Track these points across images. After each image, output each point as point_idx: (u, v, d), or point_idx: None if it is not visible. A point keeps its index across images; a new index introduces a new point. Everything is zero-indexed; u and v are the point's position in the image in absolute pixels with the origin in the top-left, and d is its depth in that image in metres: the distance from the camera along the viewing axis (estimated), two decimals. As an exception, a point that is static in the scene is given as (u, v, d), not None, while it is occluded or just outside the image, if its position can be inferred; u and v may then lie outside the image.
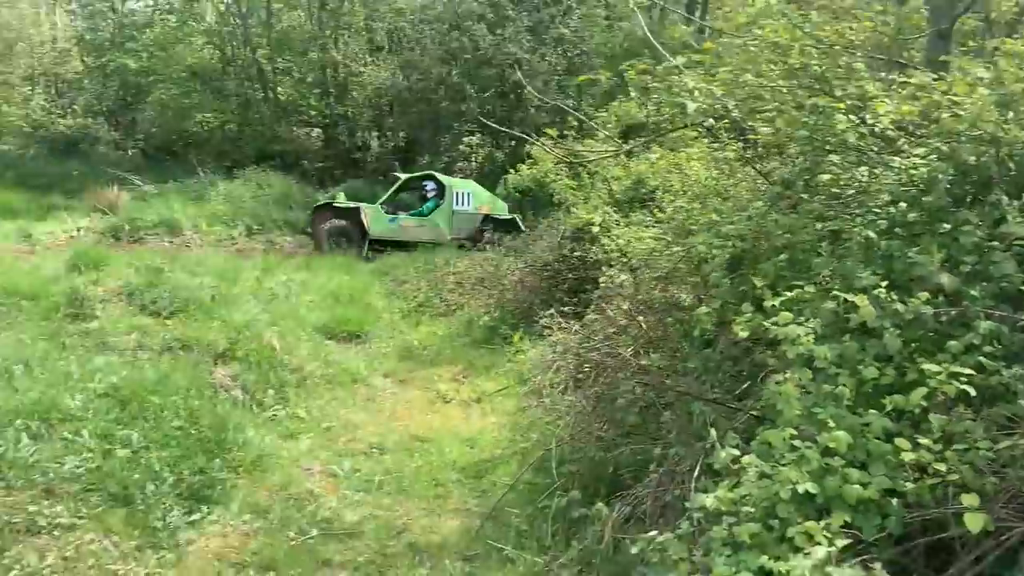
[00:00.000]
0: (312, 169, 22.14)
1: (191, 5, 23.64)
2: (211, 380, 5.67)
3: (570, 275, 8.30)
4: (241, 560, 3.96)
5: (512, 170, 10.37)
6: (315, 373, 6.71)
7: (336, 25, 22.95)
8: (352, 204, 15.11)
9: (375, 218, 14.81)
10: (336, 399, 6.50)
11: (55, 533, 3.76)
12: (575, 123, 8.76)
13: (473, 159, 19.66)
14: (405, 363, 7.96)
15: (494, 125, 14.54)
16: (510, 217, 15.58)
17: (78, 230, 14.18)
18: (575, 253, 8.16)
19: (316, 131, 25.14)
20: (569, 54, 18.11)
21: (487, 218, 15.29)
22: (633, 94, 4.38)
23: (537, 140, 7.17)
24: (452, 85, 18.19)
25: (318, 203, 15.34)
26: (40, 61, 26.87)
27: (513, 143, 17.37)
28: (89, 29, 24.79)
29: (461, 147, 19.10)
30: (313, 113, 24.12)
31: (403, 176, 16.24)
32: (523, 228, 15.87)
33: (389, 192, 15.57)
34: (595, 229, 6.97)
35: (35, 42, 27.11)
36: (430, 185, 15.65)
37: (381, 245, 15.17)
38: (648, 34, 4.88)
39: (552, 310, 6.06)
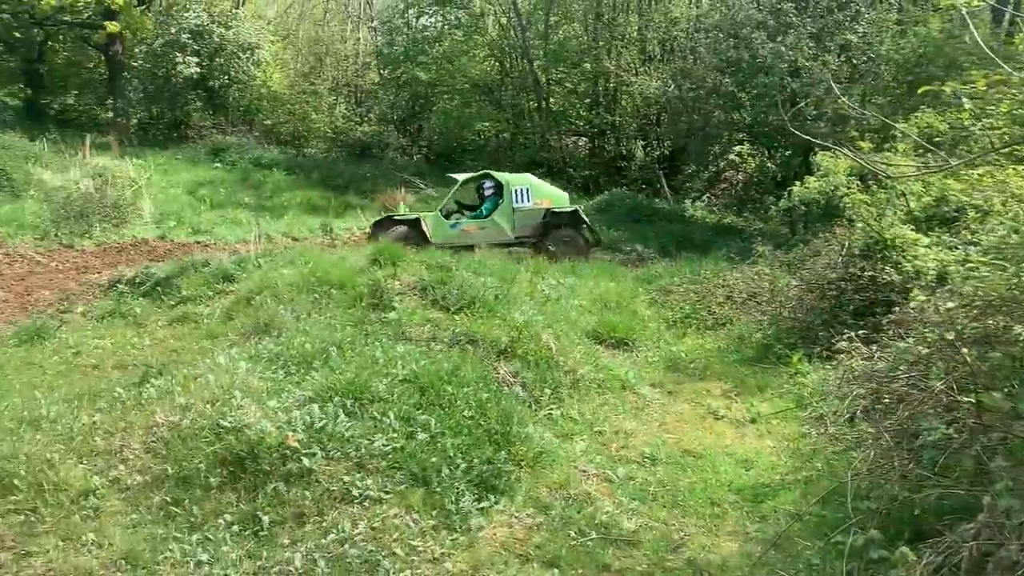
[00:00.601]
0: (578, 177, 22.63)
1: (477, 20, 25.08)
2: (495, 375, 5.94)
3: (856, 296, 7.74)
4: (525, 552, 4.10)
5: (797, 182, 9.82)
6: (587, 377, 6.82)
7: (610, 36, 23.28)
8: (412, 215, 14.64)
9: (436, 225, 14.23)
10: (607, 404, 6.56)
11: (365, 504, 4.12)
12: (865, 133, 8.16)
13: (743, 169, 19.04)
14: (672, 374, 7.87)
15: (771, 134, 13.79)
16: (572, 209, 14.74)
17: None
18: (865, 272, 7.59)
19: (583, 140, 25.71)
20: (855, 61, 16.96)
21: (549, 212, 14.46)
22: (968, 104, 3.98)
23: (837, 149, 6.76)
24: (725, 94, 17.71)
25: (378, 218, 14.87)
26: (344, 73, 29.90)
27: (787, 153, 16.56)
28: (386, 44, 27.18)
29: (731, 157, 18.58)
30: (581, 122, 24.68)
31: (460, 178, 15.46)
32: (587, 220, 15.12)
33: (447, 197, 15.09)
34: (896, 247, 6.44)
35: (341, 56, 30.22)
36: (488, 184, 14.90)
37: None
38: (980, 42, 4.40)
39: (849, 333, 5.65)
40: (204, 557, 3.75)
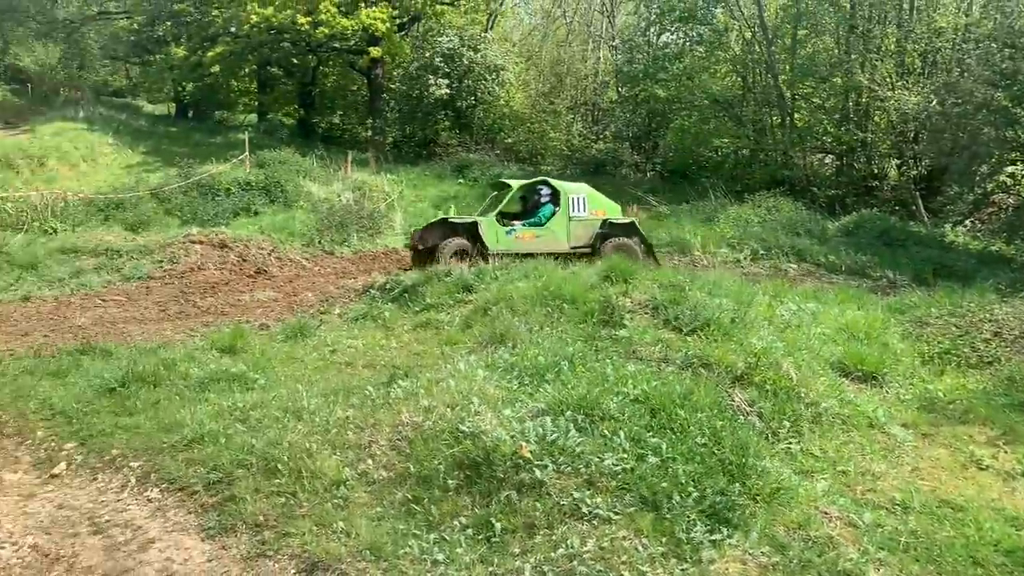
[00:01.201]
0: (823, 196, 21.44)
1: (720, 36, 24.57)
2: (730, 402, 5.71)
3: None
4: (764, 593, 3.88)
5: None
6: (830, 411, 6.36)
7: (864, 49, 21.89)
8: (468, 218, 13.86)
9: (492, 232, 13.54)
10: (852, 442, 6.08)
11: (594, 522, 4.10)
12: None
13: (1015, 192, 17.14)
14: (928, 415, 7.14)
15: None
16: (628, 221, 14.08)
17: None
18: None
19: (829, 158, 24.33)
20: None
21: (605, 222, 13.87)
22: None
23: None
24: (998, 109, 16.02)
25: (429, 222, 14.14)
26: (582, 92, 30.51)
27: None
28: (626, 62, 27.39)
29: (1001, 178, 16.76)
30: (828, 139, 23.36)
31: (515, 184, 14.61)
32: (642, 232, 14.33)
33: (502, 203, 14.16)
34: None
35: (580, 75, 30.84)
36: (545, 190, 14.23)
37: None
38: None
39: None
40: (440, 556, 3.90)
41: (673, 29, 26.33)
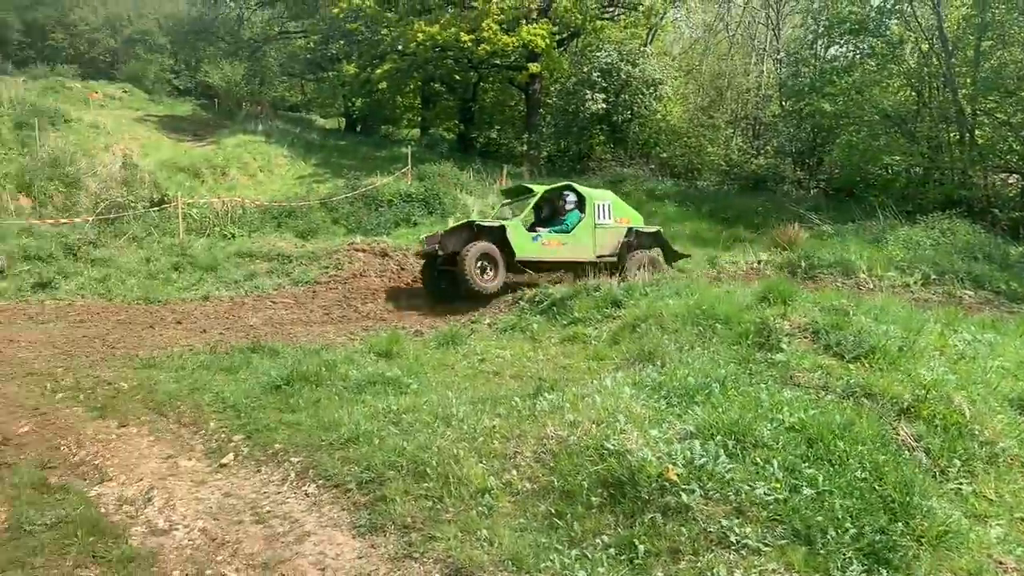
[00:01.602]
0: (1005, 219, 19.79)
1: (894, 48, 23.28)
2: (895, 436, 5.36)
3: None
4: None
5: None
6: (1009, 451, 5.82)
7: (1060, 59, 20.10)
8: (496, 222, 12.80)
9: (519, 238, 12.63)
10: (1033, 486, 5.56)
11: (742, 553, 3.95)
12: None
13: None
14: (1125, 464, 6.44)
15: None
16: (654, 230, 13.48)
17: (758, 262, 15.10)
18: None
19: (1013, 177, 22.46)
20: None
21: (631, 230, 13.24)
22: None
23: None
24: None
25: (455, 224, 13.20)
26: (743, 106, 29.72)
27: None
28: (791, 75, 26.43)
29: None
30: (1013, 158, 21.57)
31: (539, 189, 13.59)
32: (667, 240, 13.68)
33: (527, 207, 13.29)
34: None
35: (742, 89, 30.06)
36: (570, 196, 13.33)
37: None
38: None
39: None
40: (581, 574, 3.87)
41: (842, 42, 25.14)
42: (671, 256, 14.24)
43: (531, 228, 13.38)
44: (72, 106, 28.98)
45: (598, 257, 13.23)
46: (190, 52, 47.95)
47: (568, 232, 13.31)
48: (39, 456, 5.94)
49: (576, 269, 12.51)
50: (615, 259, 13.32)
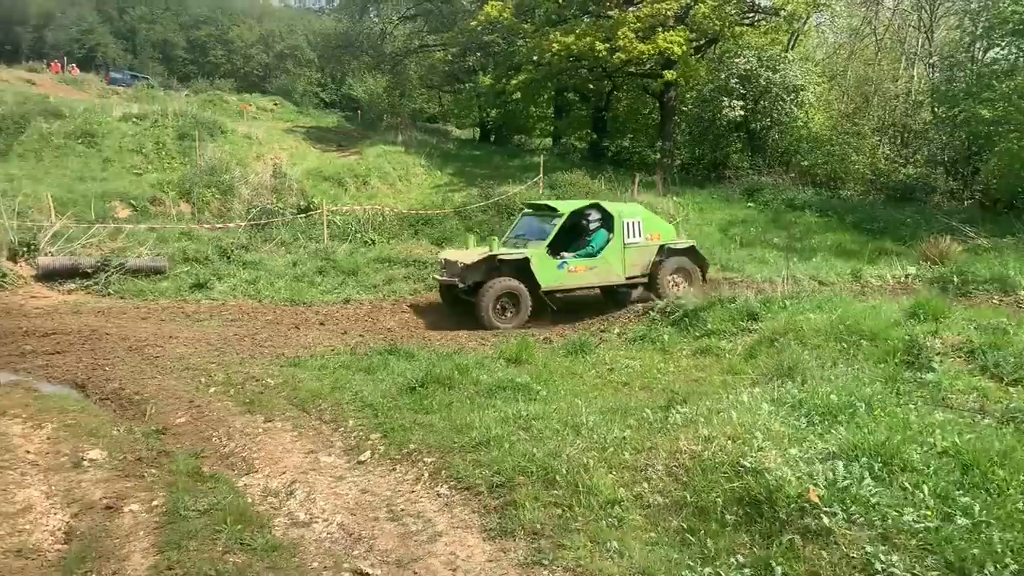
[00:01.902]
0: None
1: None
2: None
3: None
4: None
5: None
6: None
7: None
8: (518, 252, 11.82)
9: (543, 267, 11.80)
10: None
11: (888, 581, 3.74)
12: None
13: None
14: None
15: None
16: (688, 245, 12.51)
17: (906, 276, 14.30)
18: None
19: None
20: None
21: (663, 248, 12.34)
22: None
23: None
24: None
25: (477, 258, 11.97)
26: (891, 113, 28.25)
27: None
28: (945, 80, 24.94)
29: None
30: None
31: (563, 209, 12.43)
32: (703, 255, 12.72)
33: (552, 233, 12.12)
34: None
35: (890, 95, 28.59)
36: (594, 215, 12.37)
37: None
38: None
39: None
40: (715, 592, 3.79)
41: (1004, 43, 23.48)
42: (706, 270, 13.38)
43: (554, 251, 12.56)
44: (228, 118, 30.97)
45: (628, 279, 12.71)
46: (336, 66, 50.26)
47: (595, 256, 12.61)
48: (193, 446, 6.35)
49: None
50: (646, 279, 12.79)
